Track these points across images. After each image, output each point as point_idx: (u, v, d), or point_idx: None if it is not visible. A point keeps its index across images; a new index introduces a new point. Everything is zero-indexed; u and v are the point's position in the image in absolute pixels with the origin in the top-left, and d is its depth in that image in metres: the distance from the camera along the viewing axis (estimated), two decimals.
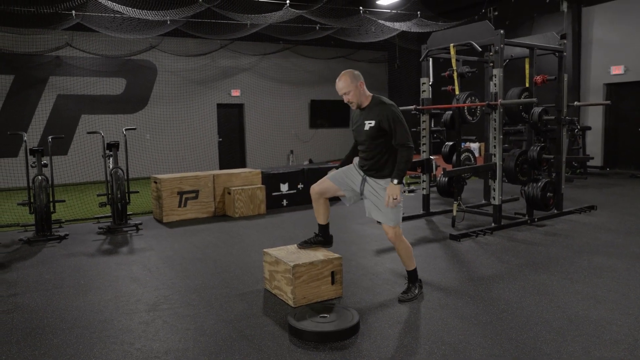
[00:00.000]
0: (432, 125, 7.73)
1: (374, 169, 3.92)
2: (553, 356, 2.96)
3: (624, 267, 4.68)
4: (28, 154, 6.67)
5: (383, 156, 3.87)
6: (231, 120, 16.45)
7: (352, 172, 4.10)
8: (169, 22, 11.22)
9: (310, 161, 16.12)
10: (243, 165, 16.29)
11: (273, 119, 16.65)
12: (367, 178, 3.98)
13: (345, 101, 3.88)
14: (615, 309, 3.66)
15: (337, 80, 3.86)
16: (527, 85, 6.91)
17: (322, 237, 4.33)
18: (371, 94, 3.92)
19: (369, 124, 3.81)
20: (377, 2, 13.50)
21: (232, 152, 16.44)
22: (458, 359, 2.97)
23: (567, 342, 3.14)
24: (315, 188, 4.18)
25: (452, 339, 3.24)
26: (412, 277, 4.10)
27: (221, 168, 15.62)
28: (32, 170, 6.63)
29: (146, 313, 3.87)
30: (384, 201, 3.83)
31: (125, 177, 7.01)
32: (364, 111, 3.90)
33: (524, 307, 3.77)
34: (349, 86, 3.80)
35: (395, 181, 3.76)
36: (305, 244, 4.33)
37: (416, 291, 4.07)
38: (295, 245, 4.41)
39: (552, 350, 3.04)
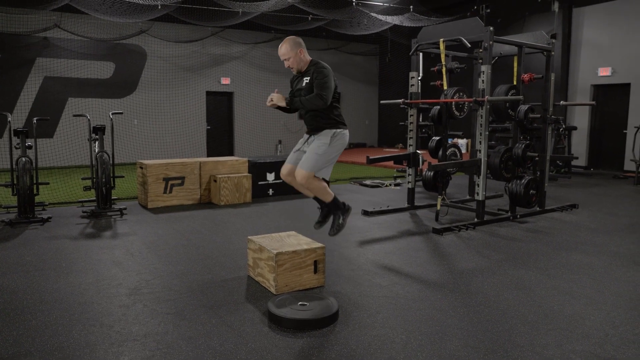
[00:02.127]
0: (420, 120, 7.77)
1: (313, 125, 4.08)
2: (526, 348, 3.02)
3: (601, 265, 4.77)
4: (12, 135, 6.61)
5: (319, 113, 4.03)
6: (220, 109, 16.39)
7: (300, 142, 4.23)
8: (159, 7, 11.14)
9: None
10: (231, 154, 16.26)
11: (262, 109, 16.60)
12: (310, 137, 4.13)
13: (286, 66, 4.09)
14: (589, 305, 3.74)
15: (279, 46, 4.07)
16: (514, 83, 6.97)
17: (324, 206, 4.30)
18: (310, 59, 4.10)
19: (305, 81, 4.04)
20: None
21: (220, 140, 16.40)
22: (434, 349, 3.02)
23: (540, 335, 3.21)
24: (283, 173, 4.26)
25: (429, 329, 3.30)
26: (334, 206, 4.20)
27: (209, 156, 15.59)
28: (16, 151, 6.57)
29: (127, 297, 3.87)
30: (310, 147, 4.03)
31: (111, 161, 6.97)
32: (304, 74, 4.09)
33: (501, 300, 3.83)
34: (289, 52, 4.01)
35: (288, 99, 4.00)
36: (319, 224, 4.32)
37: (341, 220, 4.20)
38: (285, 233, 4.42)
39: (526, 342, 3.11)
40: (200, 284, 4.18)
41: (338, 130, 4.05)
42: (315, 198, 4.29)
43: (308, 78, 4.02)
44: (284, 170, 4.23)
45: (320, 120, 4.05)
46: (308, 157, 4.01)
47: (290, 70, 4.15)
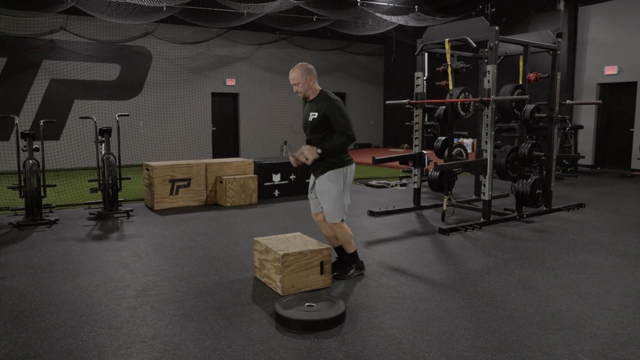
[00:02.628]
0: (426, 120, 7.76)
1: (318, 164, 4.08)
2: (534, 348, 3.02)
3: (608, 265, 4.75)
4: (19, 137, 6.65)
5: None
6: (225, 110, 16.43)
7: (311, 182, 4.31)
8: (164, 9, 11.17)
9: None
10: (236, 155, 16.29)
11: (268, 110, 16.65)
12: (316, 179, 4.20)
13: (294, 91, 4.11)
14: (597, 304, 3.72)
15: (290, 70, 4.08)
16: (520, 82, 6.95)
17: (345, 257, 4.41)
18: (320, 89, 4.11)
19: (312, 116, 4.03)
20: None
21: (225, 142, 16.43)
22: (441, 349, 3.02)
23: (548, 335, 3.20)
24: (315, 217, 4.40)
25: (436, 330, 3.29)
26: (351, 258, 4.37)
27: (214, 157, 15.63)
28: (23, 154, 6.61)
29: (134, 298, 3.89)
30: (324, 196, 4.12)
31: (117, 163, 7.00)
32: (311, 103, 4.11)
33: (508, 300, 3.82)
34: (299, 78, 4.03)
35: (319, 150, 3.95)
36: (334, 266, 4.40)
37: (351, 271, 4.36)
38: (291, 234, 4.50)
39: (534, 342, 3.10)
40: (207, 286, 4.19)
41: (346, 168, 4.10)
42: (337, 249, 4.44)
43: (316, 114, 4.00)
44: (315, 218, 4.38)
45: (328, 161, 4.04)
46: (329, 209, 4.12)
47: (298, 96, 4.13)
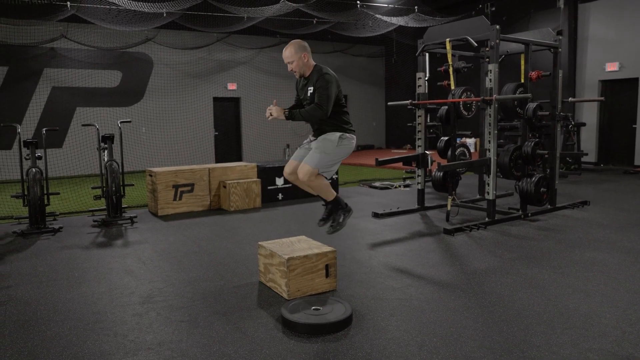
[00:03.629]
0: (428, 120, 7.74)
1: (320, 130, 4.12)
2: (542, 348, 3.00)
3: (615, 262, 4.72)
4: (22, 146, 6.66)
5: (327, 120, 4.05)
6: (227, 114, 16.44)
7: (305, 142, 4.28)
8: (165, 15, 11.20)
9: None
10: (239, 159, 16.29)
11: None
12: (314, 140, 4.19)
13: (289, 69, 4.08)
14: (605, 302, 3.70)
15: (283, 49, 4.06)
16: (522, 80, 6.93)
17: (329, 203, 4.31)
18: (315, 64, 4.09)
19: (309, 90, 4.05)
20: None
21: (228, 146, 16.44)
22: (449, 351, 3.00)
23: (556, 334, 3.17)
24: (286, 171, 4.29)
25: (443, 331, 3.27)
26: (335, 205, 4.25)
27: (217, 162, 15.63)
28: (26, 162, 6.62)
29: (140, 305, 3.88)
30: (316, 145, 4.08)
31: (120, 170, 7.00)
32: (307, 79, 4.10)
33: (515, 300, 3.80)
34: (293, 56, 4.01)
35: (287, 112, 3.99)
36: (322, 221, 4.34)
37: (341, 219, 4.24)
38: (296, 237, 4.43)
39: (542, 342, 3.07)
40: (213, 291, 4.18)
41: (346, 134, 4.08)
42: (319, 196, 4.33)
43: (312, 88, 4.02)
44: (288, 168, 4.25)
45: (328, 126, 4.08)
46: (313, 154, 4.05)
47: (294, 75, 4.15)
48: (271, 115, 4.01)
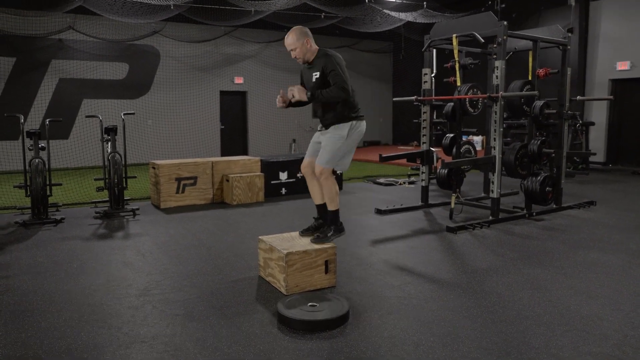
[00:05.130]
0: (434, 117, 7.67)
1: (329, 120, 4.07)
2: (541, 350, 2.94)
3: (619, 264, 4.65)
4: (25, 136, 6.66)
5: (335, 106, 4.01)
6: (234, 108, 16.41)
7: (316, 135, 4.25)
8: (172, 7, 11.17)
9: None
10: (245, 153, 16.27)
11: (276, 108, 16.52)
12: (323, 130, 4.16)
13: (292, 57, 4.06)
14: (607, 305, 3.63)
15: (285, 37, 4.03)
16: (529, 78, 6.84)
17: (322, 219, 4.30)
18: (318, 48, 4.04)
19: (314, 76, 3.99)
20: None
21: (234, 140, 16.42)
22: (446, 351, 2.95)
23: (556, 337, 3.11)
24: (303, 164, 4.28)
25: (441, 330, 3.22)
26: (332, 218, 4.20)
27: (223, 155, 15.61)
28: (29, 153, 6.61)
29: (136, 298, 3.86)
30: (325, 141, 4.06)
31: (123, 162, 6.99)
32: (311, 65, 4.05)
33: (516, 300, 3.74)
34: (295, 43, 3.98)
35: (309, 93, 3.94)
36: (306, 232, 4.32)
37: (330, 233, 4.16)
38: (296, 233, 4.41)
39: (541, 344, 3.02)
40: (210, 285, 4.15)
41: (355, 122, 4.05)
42: (318, 206, 4.31)
43: (318, 73, 3.97)
44: (304, 162, 4.26)
45: (336, 115, 4.03)
46: (324, 152, 4.03)
47: (297, 62, 4.11)
48: (293, 96, 4.00)
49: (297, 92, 3.98)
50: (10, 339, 3.15)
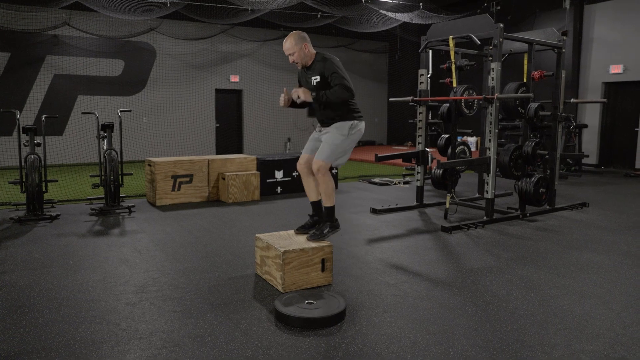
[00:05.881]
0: (429, 118, 7.72)
1: (329, 120, 4.13)
2: (535, 348, 2.99)
3: (611, 264, 4.71)
4: (21, 132, 6.64)
5: (335, 107, 4.06)
6: (229, 106, 16.41)
7: (315, 133, 4.30)
8: (168, 4, 11.15)
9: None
10: (240, 152, 16.28)
11: (272, 106, 16.61)
12: (323, 130, 4.21)
13: (291, 61, 4.11)
14: (599, 304, 3.69)
15: (283, 41, 4.08)
16: (524, 80, 6.90)
17: (318, 217, 4.33)
18: (315, 52, 4.09)
19: (315, 80, 4.05)
20: None
21: (229, 138, 16.42)
22: (441, 348, 2.99)
23: (549, 335, 3.16)
24: (300, 162, 4.32)
25: (436, 328, 3.26)
26: (328, 213, 4.24)
27: (218, 153, 15.61)
28: (24, 149, 6.60)
29: (134, 294, 3.87)
30: (326, 137, 4.11)
31: (119, 159, 6.99)
32: (310, 68, 4.10)
33: (510, 299, 3.79)
34: (294, 47, 4.03)
35: (314, 93, 3.98)
36: (302, 229, 4.35)
37: (326, 230, 4.20)
38: (292, 231, 4.44)
39: (535, 342, 3.06)
40: (208, 282, 4.17)
41: (355, 122, 4.11)
42: (313, 203, 4.34)
43: (318, 77, 4.02)
44: (301, 159, 4.29)
45: (338, 114, 4.08)
46: (324, 148, 4.08)
47: (296, 66, 4.15)
48: (299, 97, 4.04)
49: (302, 94, 4.02)
50: (8, 334, 3.16)
